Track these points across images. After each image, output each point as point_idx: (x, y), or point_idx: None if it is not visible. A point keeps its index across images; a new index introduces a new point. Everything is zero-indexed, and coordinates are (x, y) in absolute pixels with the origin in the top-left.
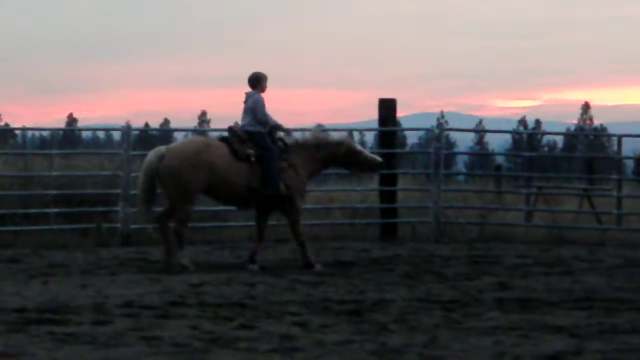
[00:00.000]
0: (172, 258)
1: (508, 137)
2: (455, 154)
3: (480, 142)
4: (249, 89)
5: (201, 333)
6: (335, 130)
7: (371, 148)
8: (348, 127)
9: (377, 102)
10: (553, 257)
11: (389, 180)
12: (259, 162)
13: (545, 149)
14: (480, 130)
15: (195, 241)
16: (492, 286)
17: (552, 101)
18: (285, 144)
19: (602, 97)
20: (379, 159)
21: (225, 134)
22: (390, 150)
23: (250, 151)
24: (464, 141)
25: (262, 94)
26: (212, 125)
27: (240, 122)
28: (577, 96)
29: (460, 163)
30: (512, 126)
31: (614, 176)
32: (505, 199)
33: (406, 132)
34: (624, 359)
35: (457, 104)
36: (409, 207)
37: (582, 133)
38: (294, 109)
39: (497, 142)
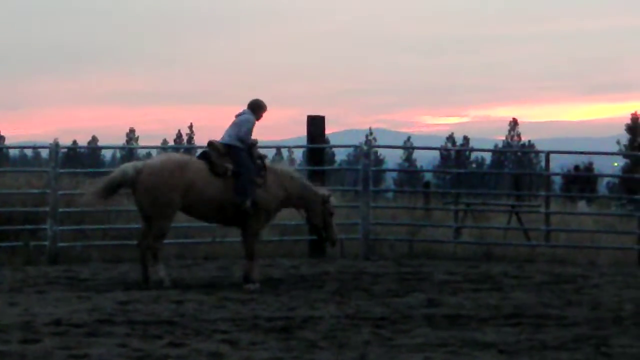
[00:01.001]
0: (144, 278)
1: (436, 154)
2: (384, 170)
3: (408, 158)
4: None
5: (130, 351)
6: (265, 147)
7: (300, 165)
8: (277, 144)
9: (305, 119)
10: (482, 273)
11: None
12: (235, 176)
13: (474, 165)
14: (408, 147)
15: (124, 259)
16: (422, 303)
17: (480, 118)
18: (264, 164)
19: (530, 113)
20: (336, 238)
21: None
22: (319, 167)
23: (228, 165)
24: (392, 158)
25: (257, 121)
26: (141, 143)
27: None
28: (506, 113)
29: (389, 180)
30: (440, 143)
31: (542, 192)
32: (434, 216)
33: (335, 149)
34: None
35: (385, 121)
36: (338, 223)
37: (510, 150)
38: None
39: (425, 159)
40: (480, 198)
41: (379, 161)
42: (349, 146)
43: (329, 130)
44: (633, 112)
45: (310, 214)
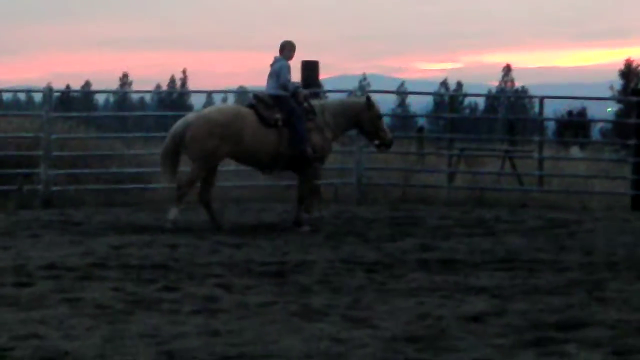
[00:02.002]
0: (217, 223)
1: (430, 99)
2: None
3: (402, 104)
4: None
5: (124, 295)
6: (258, 92)
7: None
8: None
9: (300, 65)
10: (475, 218)
11: None
12: (286, 125)
13: (467, 111)
14: (402, 92)
15: (117, 203)
16: (415, 248)
17: (474, 63)
18: (311, 106)
19: (523, 59)
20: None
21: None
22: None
23: (277, 116)
24: (386, 103)
25: (289, 62)
26: (134, 88)
27: (265, 87)
28: (499, 59)
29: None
30: (433, 88)
31: (536, 138)
32: (427, 161)
33: (329, 94)
34: (546, 319)
35: (379, 67)
36: (332, 168)
37: (504, 95)
38: (215, 70)
39: (419, 105)
40: (474, 143)
41: None
42: (343, 91)
43: (323, 76)
44: (627, 58)
45: (361, 126)
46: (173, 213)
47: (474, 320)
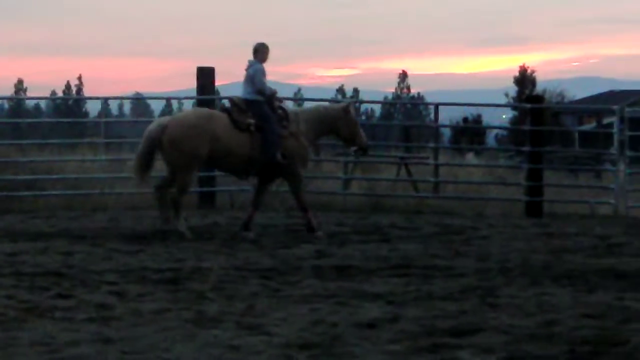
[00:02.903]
0: (168, 226)
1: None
2: None
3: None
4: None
5: (17, 302)
6: (155, 99)
7: None
8: (167, 95)
9: (195, 71)
10: (370, 224)
11: None
12: (259, 131)
13: (363, 117)
14: (298, 99)
15: (12, 210)
16: (310, 254)
17: (370, 70)
18: (286, 112)
19: (420, 66)
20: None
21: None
22: None
23: (251, 121)
24: None
25: (263, 64)
26: (29, 94)
27: (241, 91)
28: (395, 65)
29: None
30: (330, 95)
31: (431, 144)
32: (323, 167)
33: (225, 101)
34: (440, 325)
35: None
36: (228, 175)
37: (400, 102)
38: (112, 77)
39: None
40: (370, 150)
41: None
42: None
43: (219, 82)
44: (521, 64)
45: (338, 132)
46: (182, 225)
47: (369, 326)
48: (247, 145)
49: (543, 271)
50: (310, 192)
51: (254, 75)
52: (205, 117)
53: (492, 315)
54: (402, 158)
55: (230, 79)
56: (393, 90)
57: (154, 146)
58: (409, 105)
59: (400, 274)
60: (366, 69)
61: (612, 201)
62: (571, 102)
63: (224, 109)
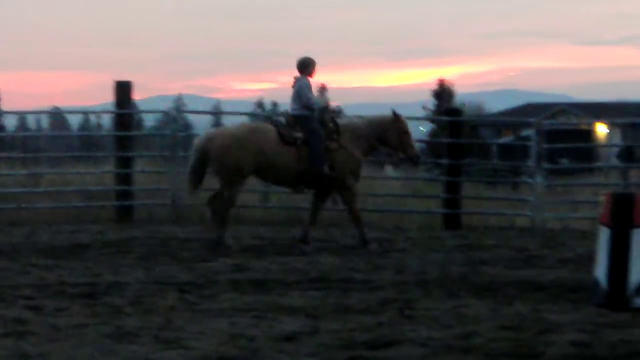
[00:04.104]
0: (223, 239)
1: (246, 119)
2: (193, 136)
3: (218, 124)
4: None
5: None
6: (72, 112)
7: (107, 131)
8: (85, 109)
9: (113, 85)
10: (289, 238)
11: (125, 162)
12: (306, 145)
13: None
14: (217, 113)
15: None
16: (228, 268)
17: (289, 83)
18: (337, 125)
19: (339, 79)
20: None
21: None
22: (127, 133)
23: (297, 134)
24: (202, 123)
25: (310, 78)
26: None
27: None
28: (316, 78)
29: None
30: (249, 108)
31: None
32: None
33: (144, 115)
34: (358, 338)
35: (195, 87)
36: (146, 189)
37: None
38: (31, 91)
39: (235, 124)
40: None
41: (188, 126)
42: (158, 111)
43: (137, 96)
44: (439, 77)
45: (388, 142)
46: (229, 238)
47: (287, 340)
48: (294, 158)
49: (461, 283)
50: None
51: (300, 91)
52: (252, 131)
53: (409, 328)
54: None
55: (149, 93)
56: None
57: (203, 158)
58: None
59: (319, 287)
60: (285, 82)
61: (530, 213)
62: (489, 115)
63: (274, 123)
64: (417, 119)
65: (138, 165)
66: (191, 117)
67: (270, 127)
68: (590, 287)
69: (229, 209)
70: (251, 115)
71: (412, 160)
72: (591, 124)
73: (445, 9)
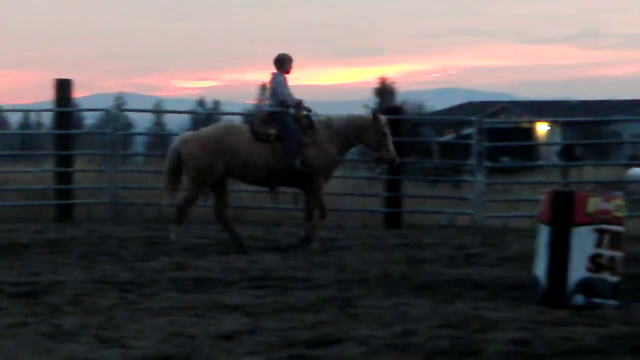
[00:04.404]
0: (238, 241)
1: (187, 117)
2: (133, 134)
3: (159, 122)
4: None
5: None
6: (12, 111)
7: (47, 130)
8: (24, 107)
9: (53, 83)
10: (229, 236)
11: (64, 161)
12: (279, 140)
13: None
14: (158, 111)
15: None
16: (169, 267)
17: (232, 81)
18: (311, 121)
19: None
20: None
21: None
22: (67, 131)
23: (271, 131)
24: (142, 122)
25: (287, 75)
26: None
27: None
28: (257, 77)
29: (139, 144)
30: (191, 106)
31: None
32: (183, 180)
33: (84, 113)
34: (299, 337)
35: (136, 85)
36: (86, 188)
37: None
38: None
39: (176, 123)
40: None
41: (129, 125)
42: (98, 110)
43: (78, 94)
44: (381, 76)
45: (365, 141)
46: (175, 233)
47: (227, 338)
48: (268, 155)
49: (401, 281)
50: (170, 205)
51: (276, 88)
52: (222, 131)
53: (350, 326)
54: None
55: (90, 90)
56: (254, 101)
57: (177, 161)
58: None
59: (259, 286)
60: (227, 80)
61: (471, 212)
62: (431, 113)
63: (247, 121)
64: None
65: (78, 164)
66: (132, 116)
67: (243, 126)
68: (530, 285)
69: (187, 206)
70: (192, 113)
71: (388, 161)
72: (532, 123)
73: (388, 8)
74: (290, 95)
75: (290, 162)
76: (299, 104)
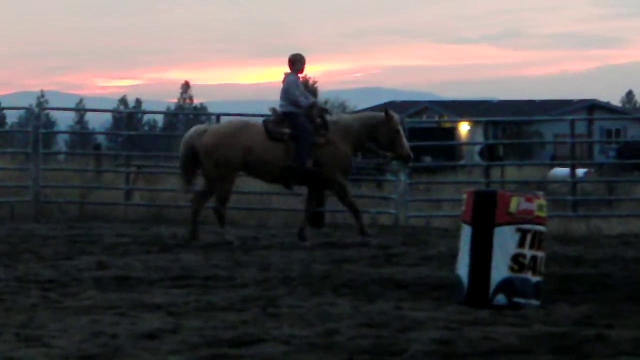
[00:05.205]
0: (193, 236)
1: (109, 116)
2: (55, 133)
3: (81, 121)
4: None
5: None
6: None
7: None
8: None
9: None
10: (152, 235)
11: None
12: (293, 140)
13: (146, 128)
14: (80, 110)
15: None
16: (91, 265)
17: (154, 80)
18: (325, 121)
19: (204, 76)
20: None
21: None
22: None
23: (285, 130)
24: (64, 120)
25: (300, 75)
26: None
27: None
28: (178, 75)
29: (62, 142)
30: (113, 105)
31: None
32: (106, 178)
33: (6, 112)
34: (221, 336)
35: (58, 83)
36: (7, 186)
37: (182, 112)
38: None
39: (98, 121)
40: (152, 160)
41: (50, 123)
42: (20, 108)
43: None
44: (303, 75)
45: (378, 140)
46: (228, 233)
47: (149, 337)
48: (281, 154)
49: (324, 281)
50: (92, 203)
51: (288, 88)
52: (239, 128)
53: (273, 326)
54: None
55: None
56: (176, 100)
57: (191, 154)
58: (191, 116)
59: (181, 285)
60: (149, 79)
61: (393, 211)
62: (353, 113)
63: (264, 120)
64: None
65: (0, 162)
66: (54, 114)
67: (258, 124)
68: (452, 284)
69: (223, 205)
70: (114, 112)
71: (403, 159)
72: (454, 122)
73: (309, 7)
74: (302, 95)
75: (301, 163)
76: (312, 105)
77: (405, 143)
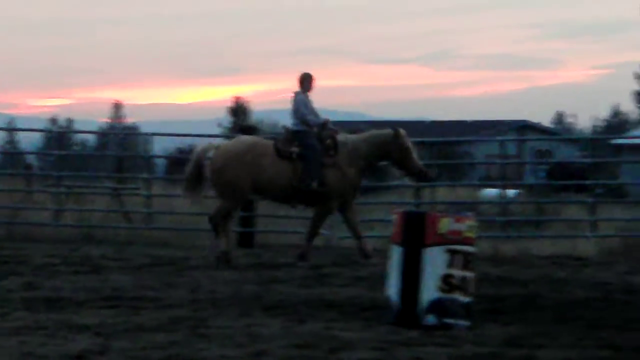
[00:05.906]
0: (227, 259)
1: (39, 135)
2: None
3: (11, 141)
4: None
5: None
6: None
7: None
8: None
9: None
10: (81, 256)
11: None
12: (301, 159)
13: (77, 147)
14: (10, 129)
15: None
16: (20, 286)
17: (85, 99)
18: (335, 142)
19: (136, 95)
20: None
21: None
22: None
23: (294, 149)
24: None
25: (309, 93)
26: None
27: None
28: (111, 95)
29: None
30: (43, 125)
31: (144, 175)
32: (35, 198)
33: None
34: (149, 356)
35: None
36: None
37: (113, 132)
38: None
39: (28, 141)
40: (82, 180)
41: None
42: None
43: None
44: (235, 95)
45: (389, 158)
46: (221, 244)
47: (78, 358)
48: (289, 173)
49: (254, 301)
50: (21, 223)
51: (297, 107)
52: (249, 147)
53: (202, 346)
54: (114, 189)
55: None
56: (108, 120)
57: (198, 168)
58: (122, 136)
59: (111, 306)
60: (80, 98)
61: (324, 232)
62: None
63: (273, 138)
64: (212, 136)
65: None
66: None
67: (268, 142)
68: (382, 305)
69: (223, 221)
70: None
71: (417, 174)
72: None
73: (243, 27)
74: (312, 114)
75: (307, 183)
76: (324, 125)
77: (417, 158)
